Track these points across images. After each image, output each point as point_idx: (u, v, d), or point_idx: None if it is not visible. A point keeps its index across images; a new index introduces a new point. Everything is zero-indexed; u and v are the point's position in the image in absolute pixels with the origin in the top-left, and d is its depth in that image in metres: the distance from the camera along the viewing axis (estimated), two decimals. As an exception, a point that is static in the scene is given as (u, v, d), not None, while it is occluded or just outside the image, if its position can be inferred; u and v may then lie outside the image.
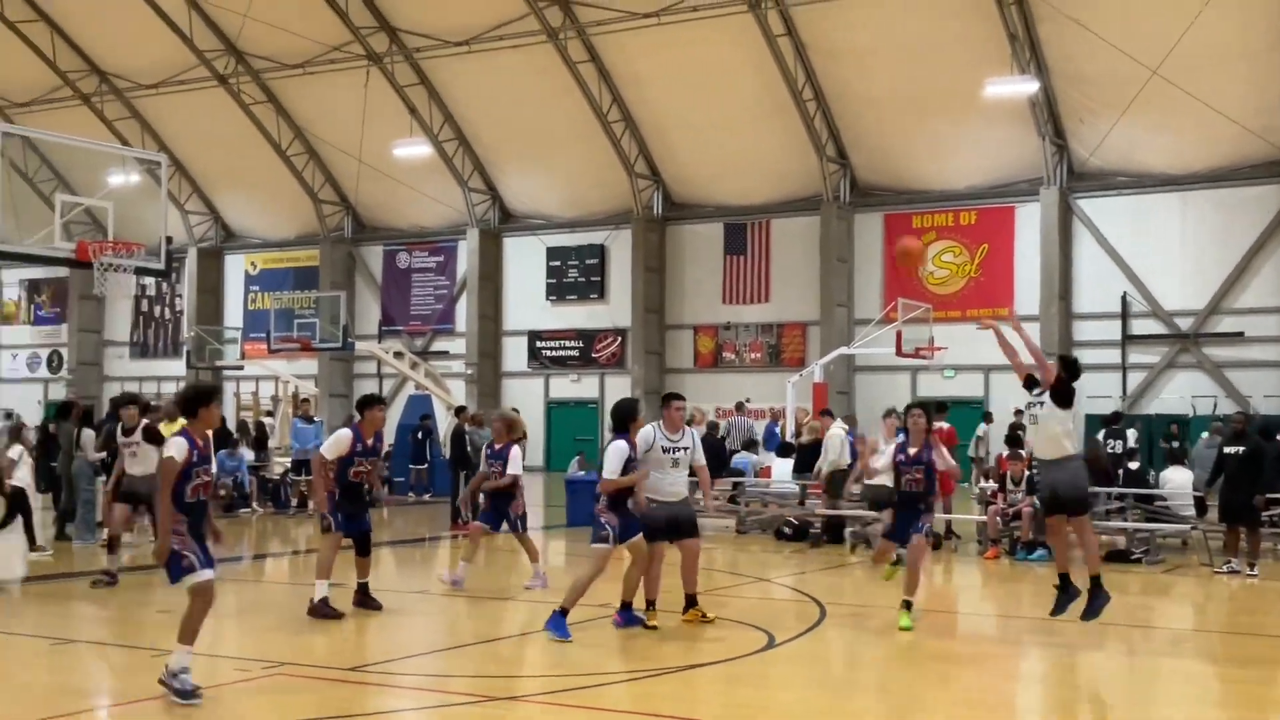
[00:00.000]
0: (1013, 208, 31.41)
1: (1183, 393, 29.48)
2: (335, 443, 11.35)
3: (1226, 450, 15.04)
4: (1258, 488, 14.49)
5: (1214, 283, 29.39)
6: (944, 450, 11.21)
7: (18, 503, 14.73)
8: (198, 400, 8.36)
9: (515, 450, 13.00)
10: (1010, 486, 16.67)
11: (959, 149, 30.90)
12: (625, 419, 10.62)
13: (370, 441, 11.39)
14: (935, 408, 19.58)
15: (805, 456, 18.90)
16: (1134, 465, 17.82)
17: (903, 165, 32.11)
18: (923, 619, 10.96)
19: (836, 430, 18.46)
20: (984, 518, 16.99)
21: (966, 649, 10.67)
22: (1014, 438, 18.17)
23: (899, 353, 26.68)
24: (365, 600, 11.41)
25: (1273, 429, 16.71)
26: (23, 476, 14.87)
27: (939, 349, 28.08)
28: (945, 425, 18.37)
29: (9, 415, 40.26)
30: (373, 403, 11.63)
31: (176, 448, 8.08)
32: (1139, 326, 30.14)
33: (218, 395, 9.04)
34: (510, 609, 12.19)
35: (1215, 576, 14.71)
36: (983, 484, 18.73)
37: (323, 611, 10.96)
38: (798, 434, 22.24)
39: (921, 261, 29.17)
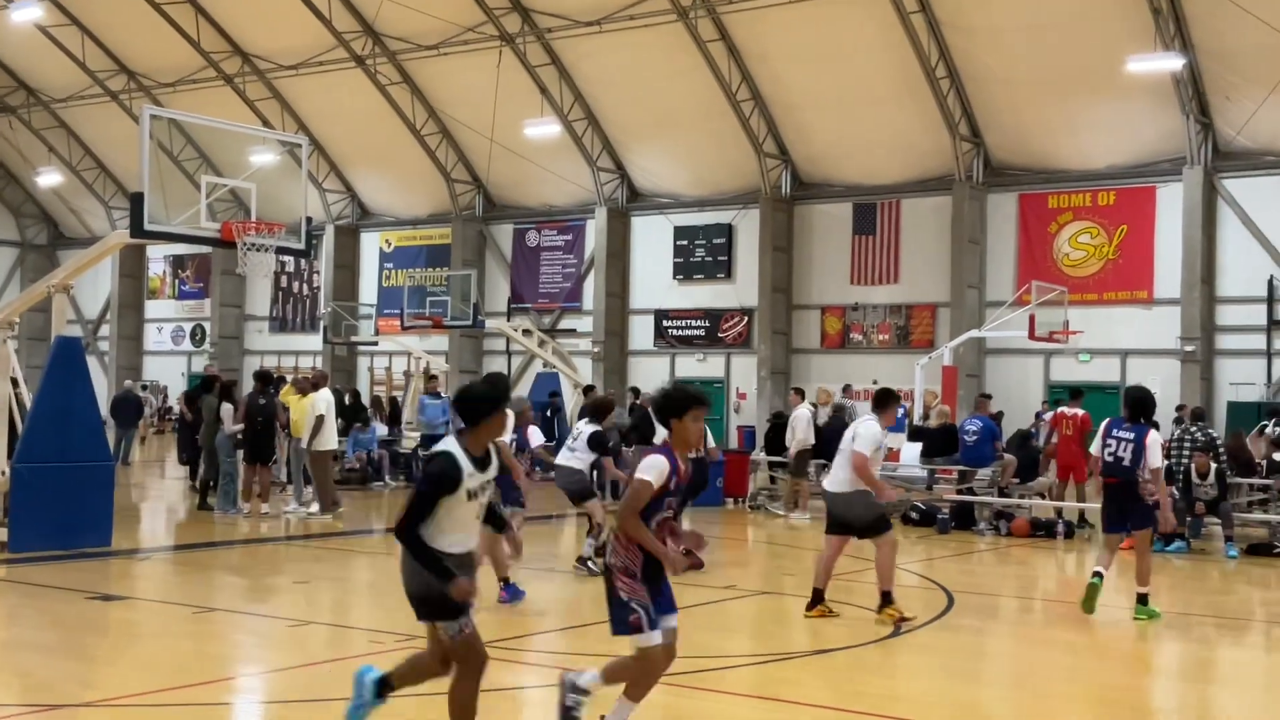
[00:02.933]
0: (1154, 188, 30.47)
1: (1332, 380, 28.38)
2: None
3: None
4: None
5: (1368, 266, 28.20)
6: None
7: None
8: (683, 406, 6.32)
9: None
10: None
11: (1098, 127, 30.06)
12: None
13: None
14: (1069, 394, 19.26)
15: (934, 440, 18.69)
16: (1278, 456, 17.23)
17: (1039, 144, 31.36)
18: (1052, 609, 10.78)
19: (804, 410, 18.89)
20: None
21: (1097, 642, 10.46)
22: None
23: (1032, 336, 26.12)
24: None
25: None
26: None
27: (1074, 333, 27.40)
28: (1080, 412, 17.94)
29: (144, 387, 41.86)
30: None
31: (657, 470, 6.14)
32: (1286, 311, 29.06)
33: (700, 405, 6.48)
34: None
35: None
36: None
37: None
38: (925, 417, 21.99)
39: None
